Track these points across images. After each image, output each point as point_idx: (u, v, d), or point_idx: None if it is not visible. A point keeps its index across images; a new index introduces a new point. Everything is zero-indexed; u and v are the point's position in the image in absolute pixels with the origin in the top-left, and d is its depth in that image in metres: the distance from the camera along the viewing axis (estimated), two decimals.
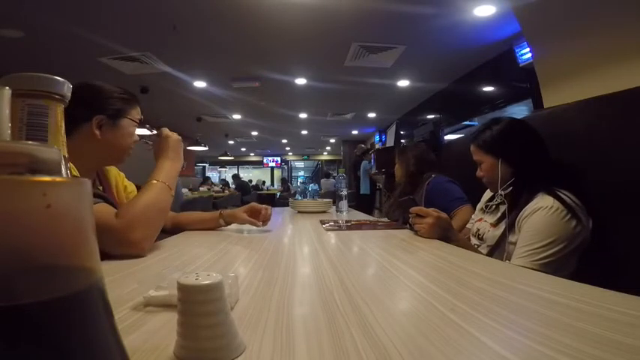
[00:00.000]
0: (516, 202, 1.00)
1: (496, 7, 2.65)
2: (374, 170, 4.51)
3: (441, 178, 1.73)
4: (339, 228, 1.18)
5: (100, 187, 0.93)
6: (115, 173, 1.02)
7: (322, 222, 1.31)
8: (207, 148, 8.39)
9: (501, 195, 1.06)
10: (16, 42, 3.13)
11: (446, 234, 0.98)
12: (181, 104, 5.51)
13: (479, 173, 1.15)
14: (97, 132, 0.83)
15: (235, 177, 10.51)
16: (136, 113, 0.91)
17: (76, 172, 0.74)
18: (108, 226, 0.68)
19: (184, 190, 5.57)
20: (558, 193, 0.93)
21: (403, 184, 1.87)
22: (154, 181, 0.81)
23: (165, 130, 0.92)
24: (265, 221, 1.11)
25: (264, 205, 1.13)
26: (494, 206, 1.11)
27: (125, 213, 0.73)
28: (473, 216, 1.27)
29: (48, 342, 0.16)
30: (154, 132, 0.94)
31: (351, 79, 4.33)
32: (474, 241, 1.15)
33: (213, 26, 3.02)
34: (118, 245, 0.70)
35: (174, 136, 0.92)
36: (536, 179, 0.99)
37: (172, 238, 1.00)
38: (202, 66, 3.99)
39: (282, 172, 15.08)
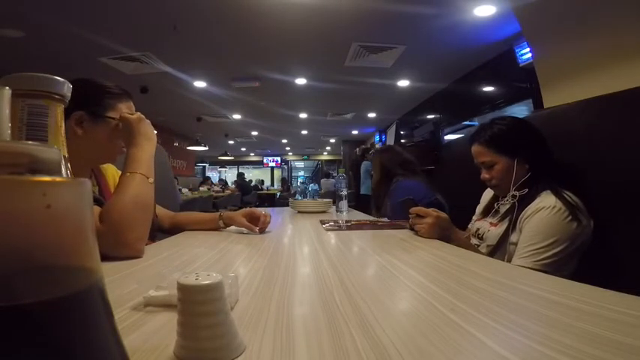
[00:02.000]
0: (521, 202, 0.99)
1: (496, 7, 2.65)
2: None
3: (406, 182, 1.77)
4: (339, 228, 1.18)
5: (96, 187, 0.92)
6: (112, 171, 1.01)
7: (322, 222, 1.31)
8: (207, 148, 8.41)
9: (515, 195, 1.01)
10: (16, 42, 3.13)
11: (446, 234, 0.98)
12: (181, 104, 5.51)
13: (485, 176, 1.08)
14: (78, 129, 0.78)
15: (240, 176, 10.49)
16: (126, 108, 0.85)
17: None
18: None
19: (184, 190, 5.57)
20: (561, 192, 0.93)
21: (376, 187, 1.96)
22: (128, 174, 0.75)
23: (124, 115, 0.83)
24: (263, 228, 1.09)
25: (263, 212, 1.11)
26: (503, 205, 1.07)
27: (108, 217, 0.69)
28: (474, 217, 1.27)
29: (48, 342, 0.16)
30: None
31: (351, 79, 4.34)
32: (473, 240, 1.15)
33: (213, 26, 3.02)
34: (111, 249, 0.68)
35: (134, 116, 0.83)
36: (546, 177, 0.98)
37: (172, 238, 1.00)
38: (202, 66, 3.99)
39: (282, 172, 15.09)
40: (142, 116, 0.83)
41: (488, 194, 1.23)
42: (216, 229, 1.11)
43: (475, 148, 1.10)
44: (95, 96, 0.82)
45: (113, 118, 0.83)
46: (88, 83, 0.82)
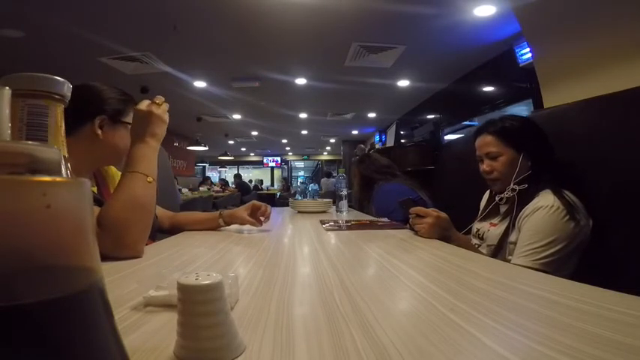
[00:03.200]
0: (521, 200, 1.00)
1: (496, 7, 2.65)
2: None
3: (387, 185, 1.81)
4: (339, 228, 1.18)
5: (95, 188, 0.92)
6: (113, 171, 1.01)
7: (322, 222, 1.31)
8: (207, 148, 8.40)
9: (515, 189, 1.03)
10: (16, 42, 3.13)
11: (446, 234, 0.98)
12: (181, 104, 5.51)
13: (486, 168, 1.09)
14: (99, 132, 0.82)
15: (237, 176, 10.52)
16: (131, 115, 0.86)
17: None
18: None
19: (184, 190, 5.57)
20: (561, 192, 0.93)
21: (358, 195, 2.01)
22: (128, 173, 0.74)
23: (136, 107, 0.80)
24: (266, 218, 1.10)
25: (263, 203, 1.13)
26: (504, 199, 1.08)
27: (106, 218, 0.68)
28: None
29: (48, 342, 0.16)
30: None
31: (351, 79, 4.33)
32: (474, 241, 1.15)
33: (213, 26, 3.02)
34: (110, 250, 0.67)
35: (144, 109, 0.79)
36: (546, 176, 0.99)
37: (172, 238, 1.00)
38: (202, 66, 3.99)
39: (282, 172, 15.09)
40: (152, 109, 0.80)
41: (487, 196, 1.23)
42: (216, 228, 1.11)
43: (484, 138, 1.10)
44: (112, 101, 0.85)
45: (129, 124, 0.85)
46: (103, 89, 0.85)
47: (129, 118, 0.86)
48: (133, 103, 0.88)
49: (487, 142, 1.09)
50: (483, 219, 1.16)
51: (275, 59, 3.80)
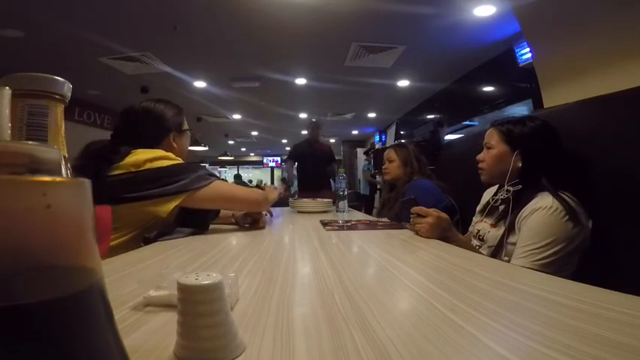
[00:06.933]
0: (518, 201, 0.99)
1: (496, 7, 2.65)
2: (373, 170, 4.51)
3: (424, 181, 1.72)
4: (339, 228, 1.18)
5: None
6: None
7: (322, 222, 1.30)
8: (207, 148, 8.39)
9: (509, 191, 1.03)
10: (16, 42, 3.13)
11: (446, 234, 0.98)
12: (181, 104, 5.47)
13: (479, 156, 1.14)
14: (174, 143, 1.09)
15: (237, 177, 10.52)
16: (186, 121, 1.15)
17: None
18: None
19: None
20: (559, 193, 0.93)
21: (401, 182, 1.82)
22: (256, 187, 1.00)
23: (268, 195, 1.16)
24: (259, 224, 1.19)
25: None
26: (499, 200, 1.08)
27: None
28: (473, 218, 1.26)
29: (48, 342, 0.16)
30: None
31: (351, 79, 4.34)
32: (474, 242, 1.14)
33: (213, 26, 3.02)
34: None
35: (269, 194, 1.18)
36: (542, 179, 0.98)
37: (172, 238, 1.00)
38: (202, 66, 3.99)
39: (282, 172, 15.07)
40: (268, 195, 1.17)
41: (488, 195, 1.23)
42: (229, 223, 1.25)
43: (490, 130, 1.14)
44: (175, 116, 1.10)
45: (188, 130, 1.15)
46: (167, 107, 1.09)
47: (186, 125, 1.15)
48: (183, 112, 1.15)
49: (489, 134, 1.13)
50: (483, 218, 1.16)
51: (275, 59, 3.81)
